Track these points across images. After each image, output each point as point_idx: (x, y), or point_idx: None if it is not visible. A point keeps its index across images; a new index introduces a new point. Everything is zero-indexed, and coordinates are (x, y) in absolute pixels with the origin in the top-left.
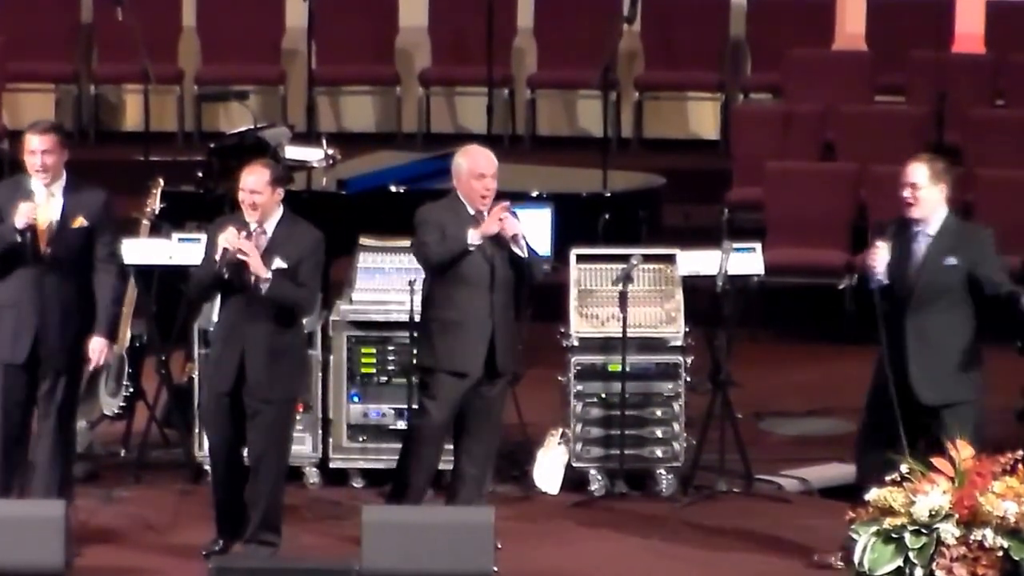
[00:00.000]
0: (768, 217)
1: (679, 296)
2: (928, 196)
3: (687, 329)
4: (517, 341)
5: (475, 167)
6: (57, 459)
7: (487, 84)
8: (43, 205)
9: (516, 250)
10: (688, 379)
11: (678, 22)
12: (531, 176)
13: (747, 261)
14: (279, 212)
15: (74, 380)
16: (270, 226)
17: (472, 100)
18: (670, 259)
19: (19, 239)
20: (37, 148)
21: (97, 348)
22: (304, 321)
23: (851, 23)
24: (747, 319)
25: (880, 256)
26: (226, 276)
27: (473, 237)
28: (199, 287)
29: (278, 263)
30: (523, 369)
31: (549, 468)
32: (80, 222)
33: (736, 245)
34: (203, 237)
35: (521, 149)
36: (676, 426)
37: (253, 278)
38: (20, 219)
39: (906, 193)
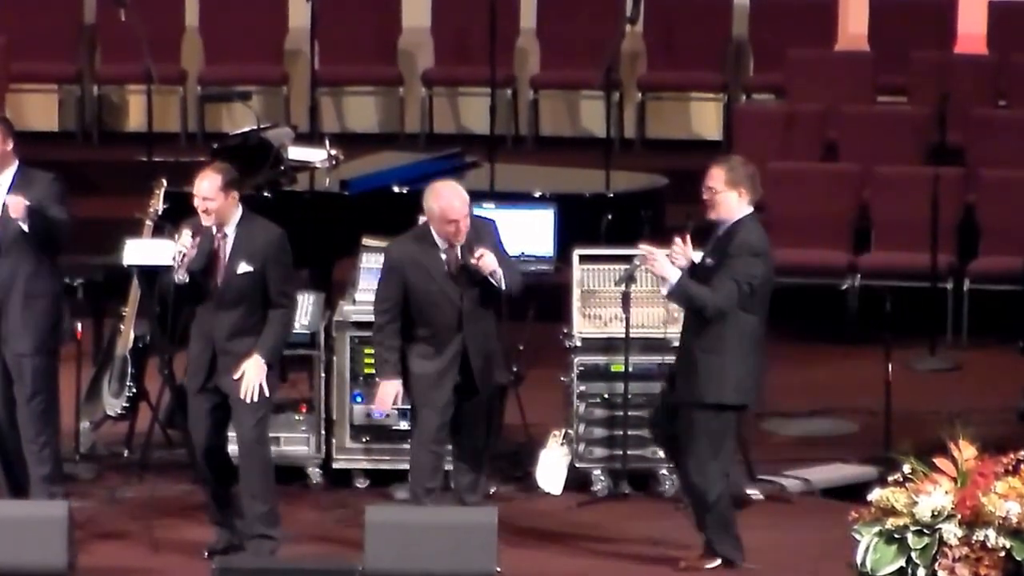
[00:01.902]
0: (770, 217)
1: None
2: (725, 200)
3: None
4: (498, 360)
5: (445, 212)
6: (32, 447)
7: (490, 84)
8: None
9: (494, 283)
10: None
11: (680, 22)
12: (534, 176)
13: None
14: (238, 213)
15: (42, 365)
16: (230, 228)
17: (475, 100)
18: None
19: None
20: None
21: (15, 201)
22: (307, 321)
23: (853, 23)
24: None
25: (681, 252)
26: (186, 280)
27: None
28: (166, 291)
29: (244, 267)
30: (525, 370)
31: (552, 469)
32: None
33: None
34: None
35: (524, 149)
36: None
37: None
38: None
39: (704, 195)
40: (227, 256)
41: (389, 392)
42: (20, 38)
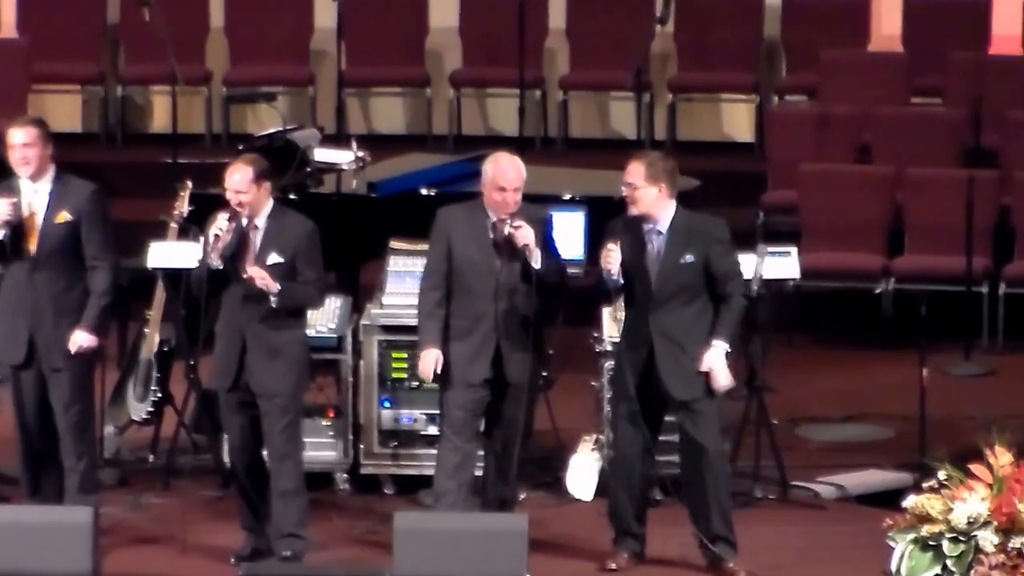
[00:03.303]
0: (803, 220)
1: None
2: (645, 195)
3: None
4: (529, 349)
5: (497, 179)
6: (71, 459)
7: (519, 86)
8: (27, 201)
9: (529, 260)
10: None
11: (712, 23)
12: (563, 179)
13: (782, 265)
14: (269, 206)
15: (79, 378)
16: (261, 221)
17: (503, 102)
18: None
19: (0, 237)
20: (18, 142)
21: (76, 341)
22: (334, 325)
23: (887, 24)
24: (783, 324)
25: (613, 257)
26: (220, 267)
27: None
28: (198, 281)
29: (274, 258)
30: (555, 374)
31: (582, 474)
32: (64, 217)
33: (771, 249)
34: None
35: (553, 151)
36: None
37: (247, 276)
38: None
39: (624, 191)
40: (257, 247)
41: (428, 360)
42: (43, 38)
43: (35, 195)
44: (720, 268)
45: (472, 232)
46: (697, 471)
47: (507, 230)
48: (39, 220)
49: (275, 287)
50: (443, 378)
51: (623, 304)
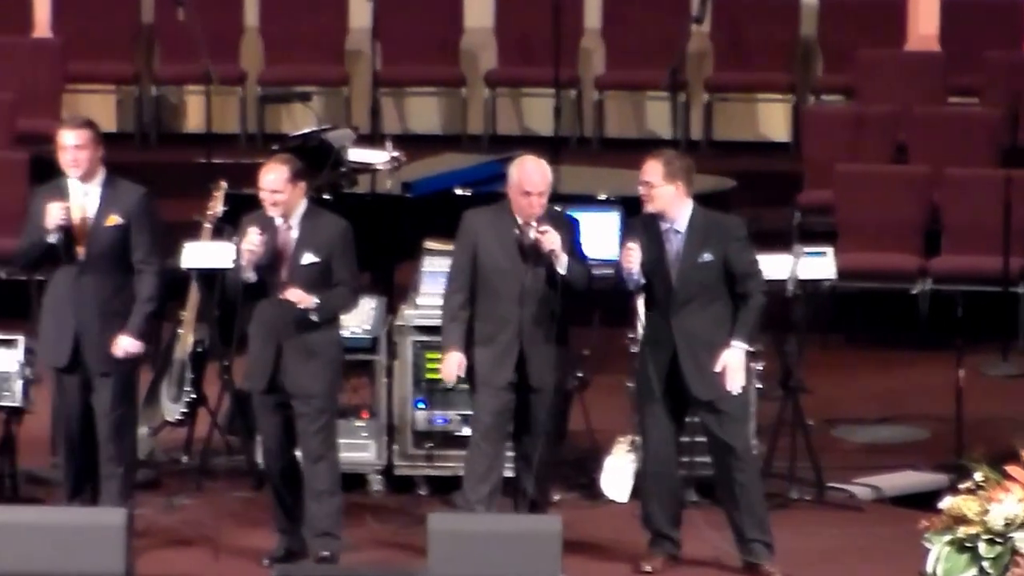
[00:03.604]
0: (839, 220)
1: None
2: (662, 194)
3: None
4: (554, 355)
5: (523, 183)
6: (111, 465)
7: (554, 85)
8: (77, 204)
9: (556, 265)
10: (758, 385)
11: (748, 22)
12: (599, 179)
13: (818, 265)
14: (303, 206)
15: (124, 382)
16: (295, 221)
17: (539, 101)
18: None
19: (52, 241)
20: (69, 144)
21: (122, 346)
22: (368, 326)
23: (924, 23)
24: (818, 324)
25: (634, 256)
26: (253, 279)
27: None
28: (233, 285)
29: (310, 258)
30: (590, 375)
31: (618, 476)
32: (114, 220)
33: (807, 249)
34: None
35: (588, 151)
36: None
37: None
38: (50, 220)
39: (641, 190)
40: (293, 248)
41: (451, 363)
42: (78, 38)
43: (85, 197)
44: (739, 266)
45: (498, 236)
46: (727, 472)
47: (533, 235)
48: (89, 223)
49: (313, 303)
50: (469, 382)
51: (643, 305)
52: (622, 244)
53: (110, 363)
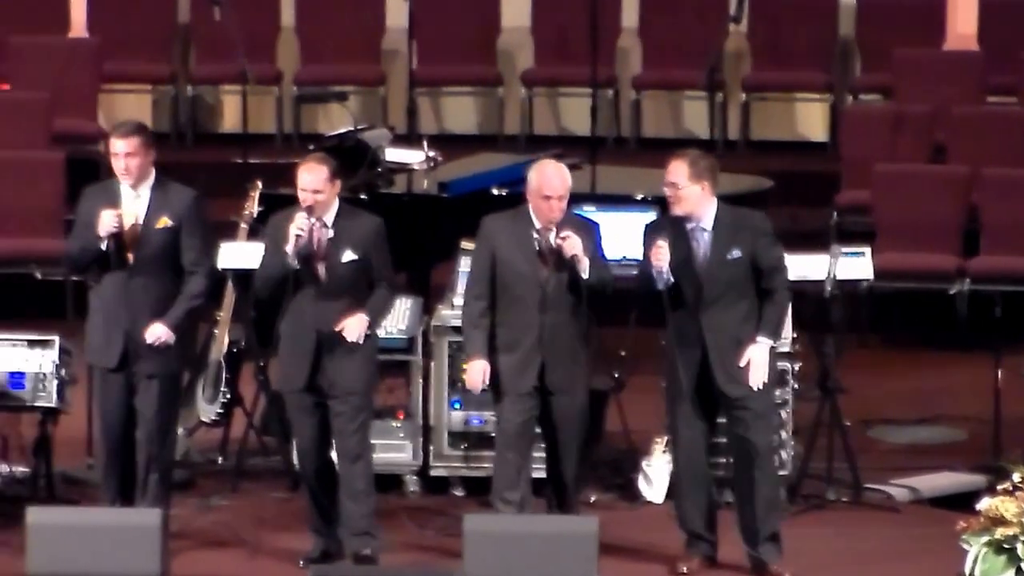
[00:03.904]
0: (878, 220)
1: None
2: (689, 194)
3: (795, 335)
4: (579, 361)
5: (542, 187)
6: (150, 467)
7: (591, 85)
8: (128, 209)
9: (579, 271)
10: (796, 386)
11: (786, 22)
12: (636, 179)
13: (856, 265)
14: (336, 205)
15: (169, 386)
16: (329, 219)
17: (576, 101)
18: None
19: (103, 247)
20: (120, 151)
21: (155, 332)
22: (404, 326)
23: (962, 23)
24: (856, 325)
25: (663, 255)
26: (296, 266)
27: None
28: (267, 283)
29: (349, 255)
30: (627, 376)
31: (654, 477)
32: (165, 223)
33: (845, 249)
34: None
35: (626, 151)
36: (784, 434)
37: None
38: (102, 228)
39: (667, 191)
40: (330, 246)
41: (476, 372)
42: (113, 38)
43: (136, 200)
44: (766, 261)
45: (517, 241)
46: (746, 469)
47: (555, 241)
48: (140, 227)
49: (367, 323)
50: (493, 390)
51: (669, 305)
52: (648, 244)
53: (157, 365)
